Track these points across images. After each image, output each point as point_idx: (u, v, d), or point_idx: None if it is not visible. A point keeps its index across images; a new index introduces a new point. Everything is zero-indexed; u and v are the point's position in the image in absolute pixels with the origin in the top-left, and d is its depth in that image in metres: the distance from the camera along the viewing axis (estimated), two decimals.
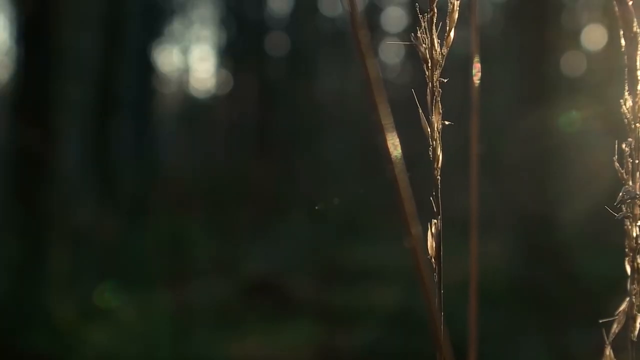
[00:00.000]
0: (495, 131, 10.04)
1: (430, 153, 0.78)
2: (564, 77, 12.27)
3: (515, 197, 9.29)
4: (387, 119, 0.66)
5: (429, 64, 0.78)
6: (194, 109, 18.34)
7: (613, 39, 11.86)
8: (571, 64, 13.27)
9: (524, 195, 8.98)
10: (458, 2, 0.77)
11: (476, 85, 0.94)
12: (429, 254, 0.77)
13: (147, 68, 15.02)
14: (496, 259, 8.93)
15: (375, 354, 6.80)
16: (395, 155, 0.66)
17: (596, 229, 9.05)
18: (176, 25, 17.86)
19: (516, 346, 6.81)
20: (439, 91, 0.77)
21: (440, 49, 0.77)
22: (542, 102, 8.75)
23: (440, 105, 0.77)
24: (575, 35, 13.55)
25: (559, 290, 8.06)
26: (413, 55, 15.58)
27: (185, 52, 18.37)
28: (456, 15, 0.76)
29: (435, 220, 0.77)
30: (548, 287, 8.18)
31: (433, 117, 0.77)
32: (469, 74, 0.94)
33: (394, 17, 18.05)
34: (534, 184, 8.94)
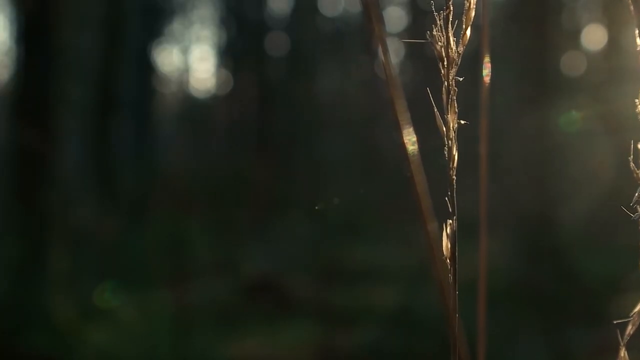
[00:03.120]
0: (496, 131, 10.04)
1: (445, 152, 0.77)
2: (564, 77, 12.27)
3: (515, 197, 9.29)
4: (403, 115, 0.65)
5: (445, 63, 0.77)
6: (194, 109, 18.33)
7: (613, 39, 11.87)
8: (571, 64, 13.27)
9: (525, 195, 8.98)
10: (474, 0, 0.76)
11: (486, 84, 0.94)
12: (444, 255, 0.76)
13: (147, 68, 15.02)
14: (496, 258, 8.93)
15: (375, 354, 6.80)
16: (412, 152, 0.66)
17: (597, 228, 9.05)
18: (176, 25, 17.86)
19: (516, 346, 6.81)
20: (455, 90, 0.76)
21: (456, 47, 0.76)
22: (542, 102, 8.75)
23: (456, 104, 0.76)
24: (575, 35, 13.55)
25: (559, 290, 8.06)
26: (413, 54, 15.59)
27: (185, 52, 18.38)
28: (473, 14, 0.76)
29: (451, 221, 0.76)
30: (548, 286, 8.18)
31: (449, 116, 0.76)
32: (472, 74, 0.93)
33: (394, 17, 18.05)
34: (535, 184, 8.94)
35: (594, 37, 14.03)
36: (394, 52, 17.19)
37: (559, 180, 9.25)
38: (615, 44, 11.58)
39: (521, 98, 9.40)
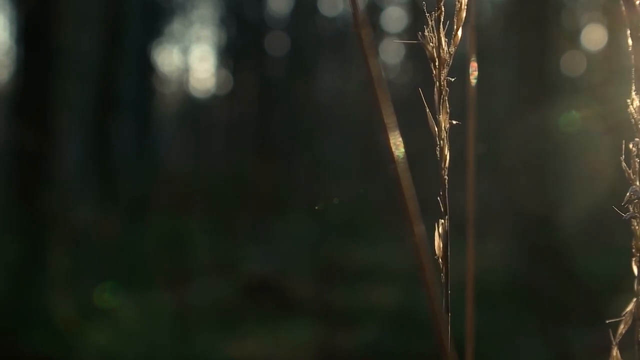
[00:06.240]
0: (495, 131, 10.04)
1: (437, 152, 0.77)
2: (564, 77, 12.27)
3: (515, 197, 9.29)
4: (390, 118, 0.65)
5: (436, 63, 0.77)
6: (194, 109, 18.34)
7: (613, 39, 11.87)
8: (571, 64, 13.28)
9: (524, 195, 8.98)
10: (466, 0, 0.76)
11: (473, 85, 0.94)
12: (436, 254, 0.76)
13: (147, 68, 15.02)
14: (496, 258, 8.93)
15: (375, 353, 6.80)
16: (398, 154, 0.66)
17: (596, 228, 9.05)
18: (176, 25, 17.87)
19: (516, 346, 6.81)
20: (447, 90, 0.76)
21: (448, 48, 0.76)
22: (542, 102, 8.75)
23: (447, 105, 0.76)
24: (575, 35, 13.55)
25: (559, 290, 8.06)
26: (413, 55, 15.60)
27: (185, 52, 18.39)
28: (464, 14, 0.76)
29: (443, 220, 0.76)
30: (548, 286, 8.18)
31: (440, 116, 0.76)
32: (467, 74, 0.93)
33: (394, 17, 18.06)
34: (534, 184, 8.93)
35: (594, 37, 14.04)
36: (394, 53, 17.20)
37: (559, 180, 9.24)
38: (615, 44, 11.59)
39: (521, 98, 9.40)
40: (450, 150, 0.77)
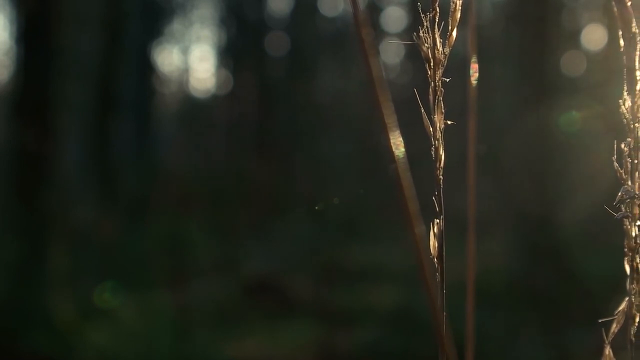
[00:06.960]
0: (496, 131, 10.05)
1: (432, 153, 0.78)
2: (564, 77, 12.27)
3: (515, 197, 9.29)
4: (390, 118, 0.66)
5: (431, 64, 0.78)
6: (194, 109, 18.34)
7: (613, 39, 11.87)
8: (571, 64, 13.28)
9: (524, 195, 8.99)
10: (460, 1, 0.77)
11: (474, 85, 0.94)
12: (431, 254, 0.77)
13: (147, 68, 15.02)
14: (496, 258, 8.93)
15: (375, 353, 6.80)
16: (398, 154, 0.67)
17: (596, 228, 9.05)
18: (176, 25, 17.87)
19: (516, 345, 6.81)
20: (441, 91, 0.77)
21: (443, 49, 0.77)
22: (542, 102, 8.75)
23: (442, 105, 0.77)
24: (575, 35, 13.56)
25: (559, 290, 8.07)
26: (413, 55, 15.60)
27: (185, 52, 18.39)
28: (459, 15, 0.76)
29: (438, 220, 0.77)
30: (548, 286, 8.18)
31: (435, 116, 0.77)
32: (467, 74, 0.94)
33: (394, 17, 18.06)
34: (534, 184, 8.94)
35: (594, 37, 14.05)
36: (394, 53, 17.20)
37: (559, 180, 9.25)
38: (615, 44, 11.57)
39: (521, 98, 9.41)
40: (446, 150, 0.78)
